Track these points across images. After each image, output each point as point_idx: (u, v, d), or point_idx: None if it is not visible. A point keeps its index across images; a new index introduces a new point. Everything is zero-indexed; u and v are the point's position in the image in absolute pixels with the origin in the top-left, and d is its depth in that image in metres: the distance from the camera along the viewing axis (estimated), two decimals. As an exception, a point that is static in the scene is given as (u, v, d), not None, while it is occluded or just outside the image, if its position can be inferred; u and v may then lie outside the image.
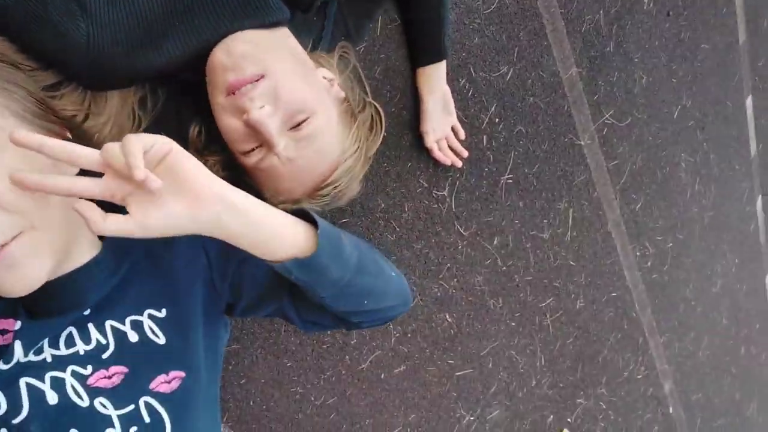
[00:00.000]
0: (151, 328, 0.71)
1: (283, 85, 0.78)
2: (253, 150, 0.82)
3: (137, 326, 0.70)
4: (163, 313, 0.72)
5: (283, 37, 0.84)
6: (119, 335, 0.69)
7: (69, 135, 0.71)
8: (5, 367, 0.62)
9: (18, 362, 0.63)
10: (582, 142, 1.64)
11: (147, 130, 0.86)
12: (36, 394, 0.62)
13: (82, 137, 0.75)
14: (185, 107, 0.88)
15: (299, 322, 0.80)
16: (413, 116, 1.24)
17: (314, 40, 1.03)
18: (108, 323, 0.69)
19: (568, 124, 1.58)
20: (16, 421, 0.61)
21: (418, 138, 1.26)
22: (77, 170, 0.64)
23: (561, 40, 1.51)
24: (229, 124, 0.80)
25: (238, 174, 0.88)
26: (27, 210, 0.59)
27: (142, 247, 0.74)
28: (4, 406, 0.61)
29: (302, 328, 0.82)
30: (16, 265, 0.58)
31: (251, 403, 1.17)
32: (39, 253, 0.61)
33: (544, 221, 1.61)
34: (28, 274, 0.60)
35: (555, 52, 1.49)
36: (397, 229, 1.26)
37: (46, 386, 0.63)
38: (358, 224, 1.20)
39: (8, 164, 0.58)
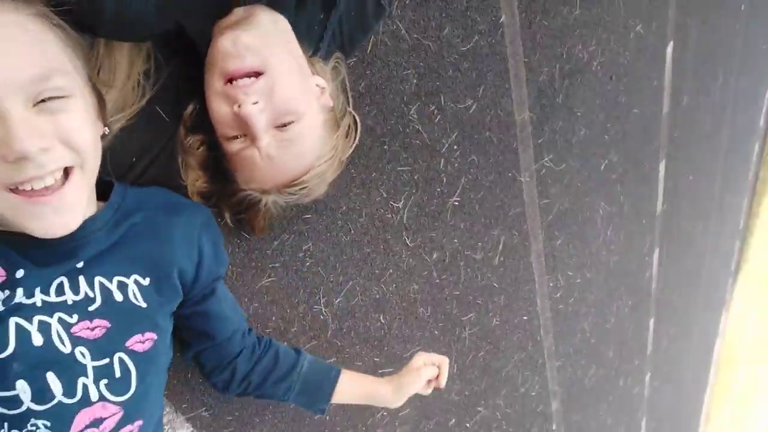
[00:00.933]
0: (134, 293, 0.76)
1: (280, 85, 0.84)
2: (236, 137, 0.88)
3: (122, 287, 0.75)
4: (146, 281, 0.78)
5: (287, 38, 0.90)
6: (106, 292, 0.74)
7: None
8: (0, 308, 0.65)
9: (8, 304, 0.66)
10: (522, 179, 1.82)
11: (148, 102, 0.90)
12: (23, 334, 0.66)
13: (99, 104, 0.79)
14: (185, 85, 0.92)
15: (212, 373, 0.99)
16: (385, 132, 1.34)
17: (312, 48, 1.11)
18: (97, 279, 0.74)
19: (513, 161, 1.75)
20: (2, 355, 0.65)
21: (384, 153, 1.36)
22: None
23: (520, 85, 1.67)
24: (220, 109, 0.86)
25: (218, 155, 0.94)
26: (87, 150, 0.65)
27: (142, 214, 0.79)
28: None
29: (210, 379, 1.00)
30: (66, 208, 0.64)
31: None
32: (82, 199, 0.67)
33: (479, 244, 1.77)
34: (71, 220, 0.66)
35: (514, 95, 1.66)
36: (352, 231, 1.36)
37: (33, 328, 0.67)
38: (319, 222, 1.28)
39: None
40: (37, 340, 0.67)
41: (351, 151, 1.16)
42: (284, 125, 0.86)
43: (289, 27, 0.92)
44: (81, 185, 0.66)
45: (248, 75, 0.82)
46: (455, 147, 1.53)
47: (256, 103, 0.83)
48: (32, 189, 0.61)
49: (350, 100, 1.18)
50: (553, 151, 1.91)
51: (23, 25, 0.61)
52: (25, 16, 0.62)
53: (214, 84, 0.84)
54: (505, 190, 1.77)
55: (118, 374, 0.73)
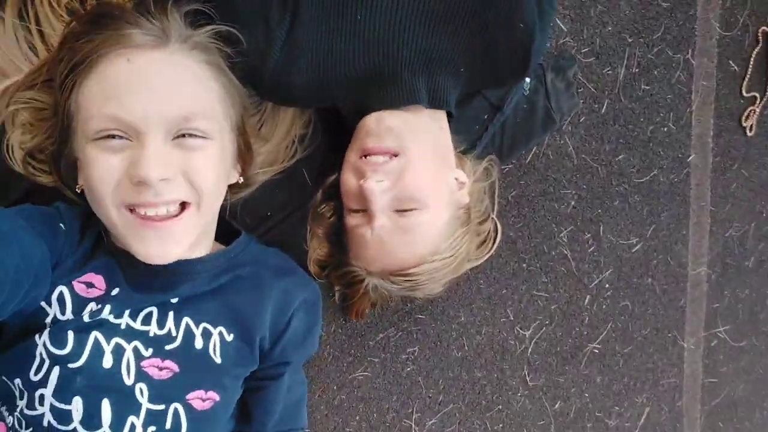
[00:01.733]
0: (215, 345, 0.72)
1: (411, 171, 0.81)
2: (357, 211, 0.85)
3: (206, 336, 0.72)
4: (230, 338, 0.74)
5: (436, 127, 0.88)
6: (189, 335, 0.71)
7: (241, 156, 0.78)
8: (87, 319, 0.65)
9: (98, 318, 0.66)
10: (685, 345, 1.51)
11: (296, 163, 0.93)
12: (97, 352, 0.65)
13: (249, 157, 0.82)
14: (334, 157, 0.93)
15: None
16: (527, 249, 1.22)
17: (467, 145, 1.07)
18: (186, 319, 0.71)
19: (677, 321, 1.47)
20: (71, 365, 0.63)
21: (521, 271, 1.23)
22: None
23: (701, 236, 1.44)
24: (348, 180, 0.85)
25: (341, 227, 0.91)
26: (206, 190, 0.66)
27: (251, 269, 0.77)
28: (69, 348, 0.64)
29: None
30: (169, 238, 0.65)
31: None
32: (189, 235, 0.67)
33: (615, 408, 1.47)
34: (173, 250, 0.66)
35: (691, 245, 1.42)
36: (466, 348, 1.21)
37: (108, 348, 0.66)
38: (431, 325, 1.17)
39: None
40: (107, 362, 0.65)
41: (484, 259, 1.07)
42: (405, 211, 0.83)
43: (443, 117, 0.90)
44: (192, 222, 0.67)
45: (383, 154, 0.82)
46: (607, 285, 1.33)
47: (381, 181, 0.81)
48: (146, 214, 0.63)
49: (496, 206, 1.10)
50: (732, 321, 1.58)
51: (191, 69, 0.66)
52: (196, 63, 0.67)
53: (351, 157, 0.85)
54: (662, 351, 1.48)
55: (168, 425, 0.68)
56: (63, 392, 0.63)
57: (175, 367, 0.69)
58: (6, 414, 0.66)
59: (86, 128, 0.62)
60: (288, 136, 0.90)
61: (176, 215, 0.65)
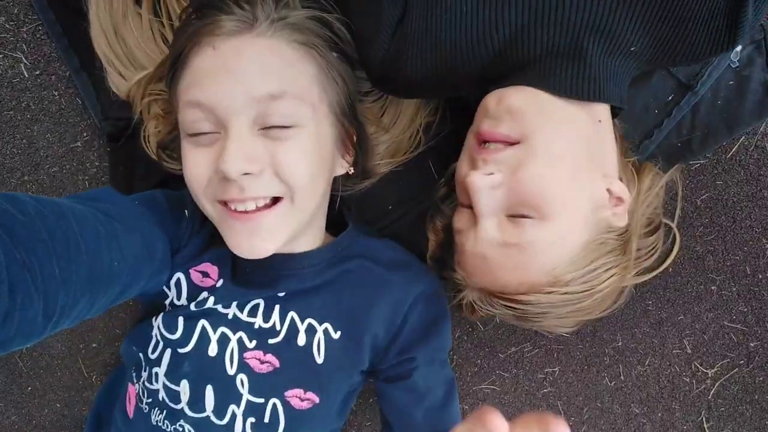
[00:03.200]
0: (318, 342, 0.70)
1: (533, 166, 0.61)
2: (465, 207, 0.69)
3: (310, 332, 0.70)
4: (337, 335, 0.70)
5: (587, 117, 0.65)
6: (292, 330, 0.69)
7: (355, 138, 0.72)
8: (194, 308, 0.68)
9: (207, 308, 0.68)
10: None
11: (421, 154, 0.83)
12: (204, 339, 0.67)
13: (364, 139, 0.77)
14: (462, 145, 0.82)
15: None
16: (718, 268, 0.96)
17: (641, 135, 0.86)
18: (291, 313, 0.70)
19: None
20: (180, 350, 0.67)
21: (709, 295, 0.97)
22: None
23: None
24: (460, 168, 0.70)
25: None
26: (298, 183, 0.61)
27: (360, 262, 0.73)
28: (179, 334, 0.67)
29: None
30: (259, 232, 0.61)
31: None
32: (281, 230, 0.63)
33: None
34: (263, 246, 0.62)
35: None
36: (622, 377, 1.01)
37: (214, 337, 0.67)
38: (578, 346, 0.99)
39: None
40: (212, 350, 0.67)
41: (649, 277, 0.85)
42: (518, 217, 0.64)
43: (602, 107, 0.68)
44: (284, 217, 0.62)
45: (498, 141, 0.64)
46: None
47: (491, 174, 0.63)
48: (236, 209, 0.61)
49: (678, 211, 0.88)
50: None
51: (278, 49, 0.60)
52: (286, 42, 0.61)
53: (469, 138, 0.70)
54: None
55: (267, 419, 0.68)
56: (173, 374, 0.67)
57: (276, 362, 0.68)
58: (135, 380, 0.72)
59: (182, 122, 0.62)
60: (412, 125, 0.81)
61: (266, 207, 0.62)
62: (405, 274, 0.75)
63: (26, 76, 0.77)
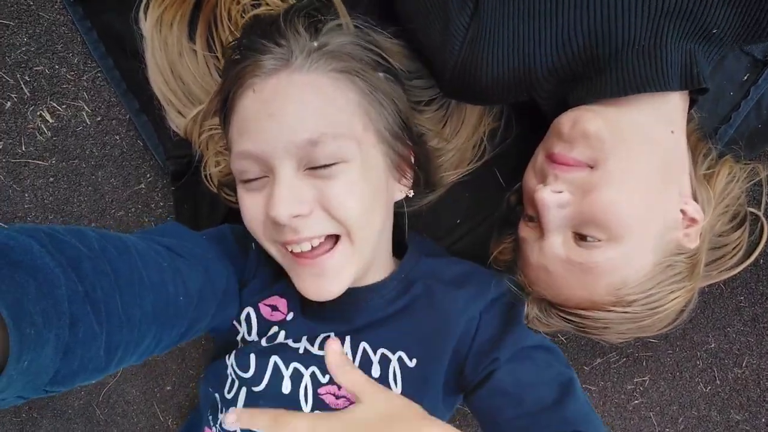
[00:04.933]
0: (394, 372, 0.66)
1: (606, 191, 0.60)
2: (532, 220, 0.68)
3: (384, 363, 0.66)
4: (412, 363, 0.67)
5: (665, 131, 0.64)
6: (366, 362, 0.66)
7: (412, 158, 0.69)
8: (265, 344, 0.65)
9: (278, 343, 0.65)
10: None
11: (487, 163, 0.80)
12: (277, 376, 0.64)
13: (424, 156, 0.74)
14: (530, 151, 0.78)
15: None
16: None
17: (715, 122, 0.81)
18: (363, 344, 0.67)
19: None
20: (255, 388, 0.64)
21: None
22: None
23: None
24: (528, 180, 0.68)
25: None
26: (350, 219, 0.59)
27: (425, 284, 0.69)
28: (252, 371, 0.65)
29: None
30: (324, 275, 0.60)
31: None
32: (346, 270, 0.61)
33: None
34: (330, 287, 0.61)
35: None
36: (719, 382, 0.94)
37: (286, 373, 0.64)
38: (667, 352, 0.93)
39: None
40: (286, 387, 0.64)
41: (736, 272, 0.80)
42: (585, 237, 0.62)
43: (683, 107, 0.65)
44: (347, 256, 0.60)
45: (572, 166, 0.62)
46: None
47: (560, 192, 0.62)
48: (293, 251, 0.59)
49: (765, 202, 0.82)
50: None
51: (317, 85, 0.58)
52: (325, 74, 0.59)
53: (538, 155, 0.68)
54: None
55: None
56: None
57: (353, 397, 0.65)
58: (211, 422, 0.70)
59: (233, 170, 0.61)
60: (476, 133, 0.78)
61: (329, 249, 0.60)
62: (471, 284, 0.71)
63: (88, 123, 0.77)
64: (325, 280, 0.60)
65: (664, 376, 0.94)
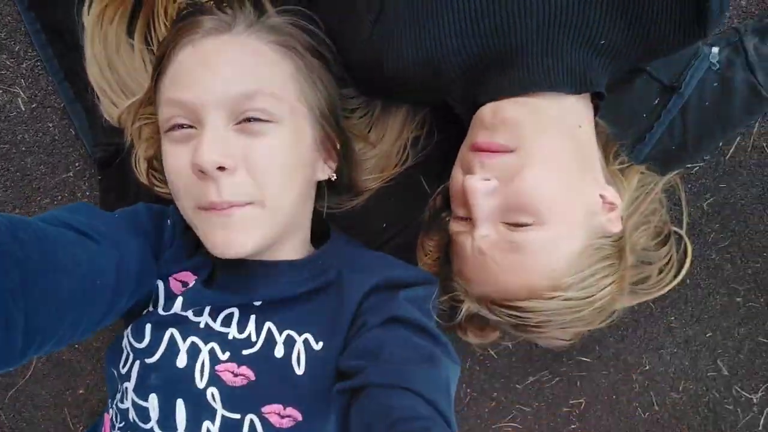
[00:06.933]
0: (298, 354, 0.64)
1: (528, 173, 0.63)
2: (462, 219, 0.69)
3: (289, 343, 0.64)
4: (318, 346, 0.64)
5: (575, 120, 0.69)
6: (269, 342, 0.64)
7: (338, 144, 0.71)
8: (163, 313, 0.63)
9: (175, 313, 0.63)
10: None
11: (408, 169, 0.83)
12: (172, 349, 0.62)
13: (349, 155, 0.76)
14: (454, 157, 0.81)
15: None
16: (741, 277, 0.90)
17: (632, 138, 0.85)
18: (268, 324, 0.65)
19: None
20: (147, 360, 0.61)
21: (735, 309, 0.90)
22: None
23: None
24: (454, 177, 0.70)
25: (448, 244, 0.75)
26: (269, 189, 0.60)
27: (339, 270, 0.69)
28: (146, 342, 0.62)
29: None
30: (231, 227, 0.59)
31: None
32: (253, 229, 0.61)
33: None
34: (235, 241, 0.60)
35: None
36: (656, 406, 0.92)
37: (183, 347, 0.62)
38: (601, 372, 0.91)
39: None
40: (181, 361, 0.61)
41: (662, 292, 0.82)
42: (516, 225, 0.64)
43: (586, 109, 0.70)
44: (258, 213, 0.60)
45: (496, 152, 0.65)
46: None
47: (488, 179, 0.64)
48: (212, 202, 0.59)
49: (685, 218, 0.85)
50: None
51: (255, 48, 0.62)
52: (265, 43, 0.62)
53: (462, 151, 0.71)
54: None
55: None
56: (141, 388, 0.60)
57: (251, 375, 0.62)
58: (110, 405, 0.66)
59: (160, 120, 0.62)
60: (399, 139, 0.81)
61: (240, 205, 0.60)
62: (376, 269, 0.68)
63: (23, 109, 0.79)
64: (235, 232, 0.59)
65: (600, 399, 0.92)
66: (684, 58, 0.82)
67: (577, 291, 0.66)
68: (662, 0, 0.64)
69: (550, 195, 0.63)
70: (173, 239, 0.69)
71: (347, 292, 0.66)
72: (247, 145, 0.58)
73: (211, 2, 0.66)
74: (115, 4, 0.76)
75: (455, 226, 0.71)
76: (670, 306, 0.91)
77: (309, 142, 0.65)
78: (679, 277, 0.84)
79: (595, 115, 0.72)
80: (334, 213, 0.80)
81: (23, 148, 0.80)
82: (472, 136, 0.69)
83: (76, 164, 0.81)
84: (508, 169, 0.64)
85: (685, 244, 0.86)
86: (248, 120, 0.58)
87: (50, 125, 0.80)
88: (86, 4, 0.75)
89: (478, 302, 0.70)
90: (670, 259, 0.85)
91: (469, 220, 0.68)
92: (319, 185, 0.74)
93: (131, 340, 0.63)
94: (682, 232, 0.86)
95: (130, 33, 0.77)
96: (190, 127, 0.59)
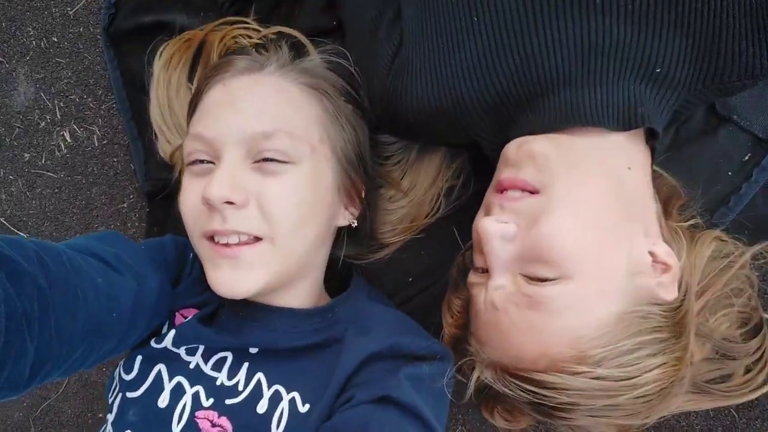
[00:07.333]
0: (280, 414, 0.58)
1: (553, 217, 0.54)
2: (481, 271, 0.60)
3: (275, 400, 0.59)
4: (304, 409, 0.58)
5: (620, 160, 0.58)
6: (256, 394, 0.59)
7: (363, 193, 0.69)
8: (156, 345, 0.62)
9: (166, 348, 0.62)
10: None
11: (439, 220, 0.77)
12: (156, 387, 0.60)
13: (374, 203, 0.73)
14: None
15: None
16: None
17: (715, 204, 0.71)
18: (258, 375, 0.60)
19: None
20: (129, 394, 0.60)
21: None
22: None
23: None
24: (475, 222, 0.62)
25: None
26: (280, 226, 0.58)
27: (346, 327, 0.63)
28: (133, 375, 0.61)
29: None
30: (239, 267, 0.57)
31: None
32: (260, 268, 0.58)
33: None
34: (241, 281, 0.58)
35: None
36: None
37: (168, 386, 0.60)
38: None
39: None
40: (163, 401, 0.59)
41: (749, 396, 0.65)
42: (537, 280, 0.54)
43: (636, 146, 0.60)
44: (267, 254, 0.57)
45: (519, 188, 0.57)
46: None
47: (505, 223, 0.56)
48: (219, 242, 0.58)
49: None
50: None
51: (283, 89, 0.61)
52: (293, 84, 0.62)
53: (486, 196, 0.63)
54: None
55: None
56: (119, 423, 0.58)
57: (228, 428, 0.57)
58: None
59: (183, 154, 0.63)
60: (433, 188, 0.76)
61: (249, 243, 0.58)
62: (383, 332, 0.63)
63: (96, 145, 0.88)
64: (240, 272, 0.57)
65: None
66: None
67: (610, 369, 0.53)
68: (735, 9, 0.53)
69: (576, 246, 0.53)
70: (191, 274, 0.69)
71: (345, 355, 0.60)
72: (262, 183, 0.57)
73: (253, 45, 0.69)
74: (180, 51, 0.84)
75: (473, 278, 0.62)
76: (759, 418, 0.71)
77: (329, 185, 0.63)
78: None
79: (652, 160, 0.62)
80: (360, 264, 0.76)
81: (91, 180, 0.88)
82: (496, 174, 0.62)
83: (131, 196, 0.88)
84: (531, 212, 0.55)
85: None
86: (266, 160, 0.58)
87: (115, 160, 0.88)
88: (158, 52, 0.84)
89: (490, 370, 0.59)
90: (762, 356, 0.67)
91: (487, 271, 0.59)
92: (340, 232, 0.71)
93: (121, 370, 0.62)
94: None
95: (191, 78, 0.84)
96: (210, 162, 0.60)
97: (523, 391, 0.55)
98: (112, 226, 0.87)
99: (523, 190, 0.57)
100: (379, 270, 0.77)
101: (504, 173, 0.59)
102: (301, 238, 0.60)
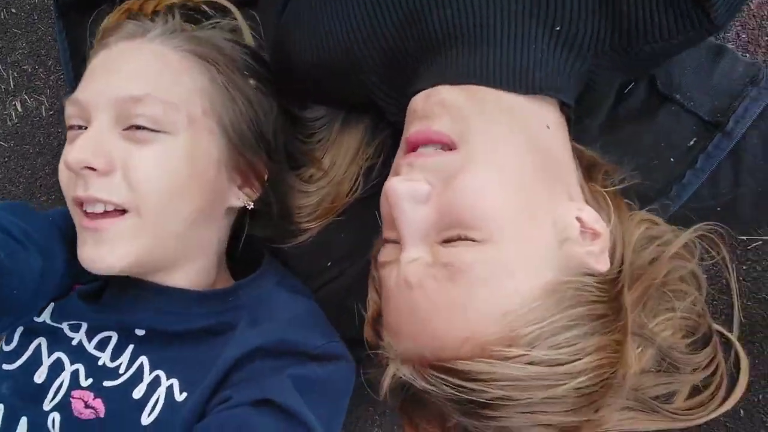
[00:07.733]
0: (155, 401, 0.55)
1: (472, 173, 0.47)
2: (391, 242, 0.52)
3: (153, 386, 0.56)
4: (181, 398, 0.55)
5: (536, 119, 0.52)
6: (135, 378, 0.56)
7: (266, 175, 0.65)
8: (36, 319, 0.61)
9: (45, 322, 0.60)
10: None
11: (360, 201, 0.73)
12: (34, 361, 0.58)
13: (288, 185, 0.71)
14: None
15: None
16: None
17: (654, 193, 0.63)
18: (142, 358, 0.57)
19: None
20: (6, 366, 0.58)
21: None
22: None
23: None
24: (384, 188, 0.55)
25: None
26: (147, 199, 0.55)
27: (244, 314, 0.60)
28: (11, 347, 0.60)
29: None
30: (103, 242, 0.55)
31: None
32: (127, 244, 0.56)
33: None
34: (105, 258, 0.55)
35: None
36: None
37: (46, 362, 0.58)
38: None
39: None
40: (40, 376, 0.56)
41: (699, 419, 0.58)
42: (451, 240, 0.47)
43: (551, 108, 0.54)
44: (131, 228, 0.55)
45: (432, 141, 0.50)
46: None
47: (417, 180, 0.49)
48: (85, 210, 0.55)
49: (738, 315, 0.60)
50: None
51: (162, 55, 0.58)
52: (174, 50, 0.59)
53: (394, 161, 0.56)
54: None
55: None
56: None
57: (101, 411, 0.54)
58: None
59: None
60: (353, 165, 0.71)
61: (115, 216, 0.55)
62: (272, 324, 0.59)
63: (44, 115, 0.89)
64: (103, 247, 0.54)
65: None
66: (734, 83, 0.60)
67: (545, 350, 0.45)
68: None
69: (496, 203, 0.47)
70: None
71: (228, 347, 0.56)
72: (129, 150, 0.55)
73: (152, 13, 0.67)
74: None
75: (383, 256, 0.54)
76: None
77: (211, 160, 0.59)
78: (729, 403, 0.58)
79: (570, 133, 0.55)
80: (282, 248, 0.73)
81: (37, 150, 0.89)
82: (405, 133, 0.54)
83: (71, 167, 0.88)
84: (445, 170, 0.48)
85: (737, 354, 0.59)
86: (136, 128, 0.55)
87: (60, 130, 0.89)
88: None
89: (407, 365, 0.49)
90: (715, 372, 0.59)
91: (397, 243, 0.51)
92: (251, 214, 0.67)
93: (3, 341, 0.61)
94: (732, 336, 0.60)
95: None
96: (83, 127, 0.57)
97: (448, 386, 0.46)
98: (53, 197, 0.88)
99: (438, 143, 0.50)
100: (301, 253, 0.74)
101: (414, 126, 0.52)
102: (173, 214, 0.57)
